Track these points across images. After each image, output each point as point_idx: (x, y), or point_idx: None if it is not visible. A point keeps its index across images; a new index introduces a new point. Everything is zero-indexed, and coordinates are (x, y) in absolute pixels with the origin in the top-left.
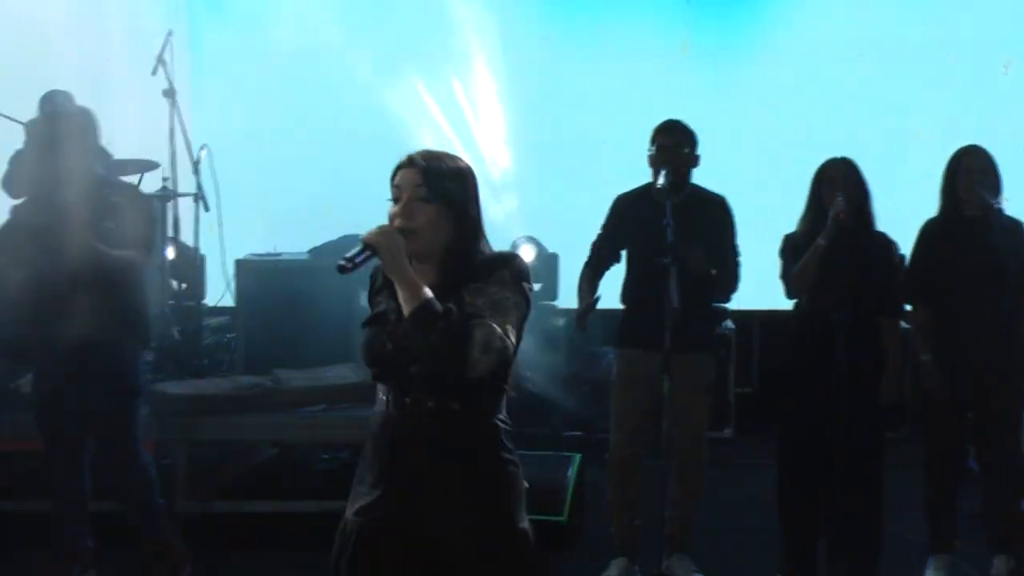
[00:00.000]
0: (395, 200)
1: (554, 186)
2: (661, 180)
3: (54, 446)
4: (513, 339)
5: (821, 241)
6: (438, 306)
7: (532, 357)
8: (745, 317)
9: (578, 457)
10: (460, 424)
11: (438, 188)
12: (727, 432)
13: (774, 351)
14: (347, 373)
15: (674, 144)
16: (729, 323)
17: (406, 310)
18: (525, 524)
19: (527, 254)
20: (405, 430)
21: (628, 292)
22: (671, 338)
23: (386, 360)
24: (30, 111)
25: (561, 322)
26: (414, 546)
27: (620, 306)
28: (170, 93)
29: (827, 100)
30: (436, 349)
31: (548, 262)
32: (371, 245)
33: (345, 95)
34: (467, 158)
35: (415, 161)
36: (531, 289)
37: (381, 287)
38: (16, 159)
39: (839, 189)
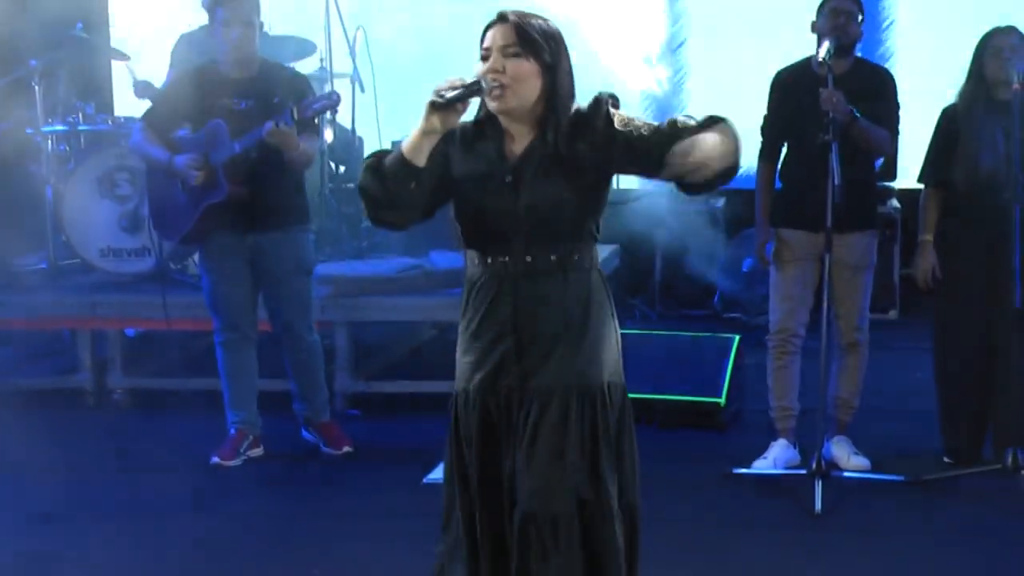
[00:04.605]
0: (484, 60)
1: (716, 67)
2: (823, 52)
3: (230, 328)
4: None
5: None
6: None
7: (691, 239)
8: (912, 196)
9: (737, 339)
10: (577, 275)
11: (530, 44)
12: (892, 314)
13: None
14: None
15: (844, 10)
16: (895, 202)
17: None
18: (622, 378)
19: None
20: (526, 288)
21: (788, 170)
22: (832, 217)
23: (509, 217)
24: None
25: (720, 203)
26: (534, 399)
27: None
28: None
29: None
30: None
31: None
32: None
33: None
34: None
35: (506, 17)
36: None
37: (470, 139)
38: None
39: (1005, 60)
